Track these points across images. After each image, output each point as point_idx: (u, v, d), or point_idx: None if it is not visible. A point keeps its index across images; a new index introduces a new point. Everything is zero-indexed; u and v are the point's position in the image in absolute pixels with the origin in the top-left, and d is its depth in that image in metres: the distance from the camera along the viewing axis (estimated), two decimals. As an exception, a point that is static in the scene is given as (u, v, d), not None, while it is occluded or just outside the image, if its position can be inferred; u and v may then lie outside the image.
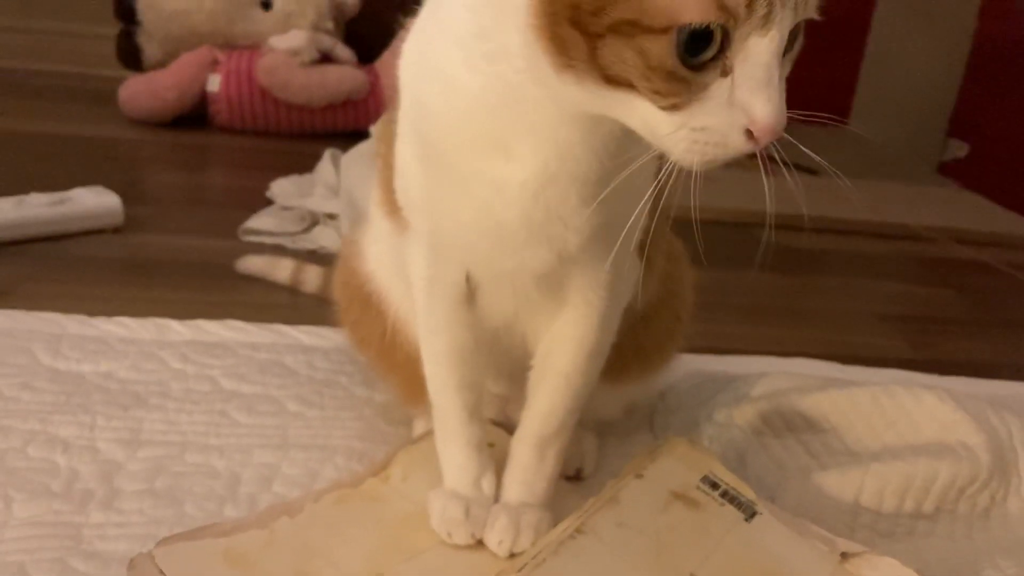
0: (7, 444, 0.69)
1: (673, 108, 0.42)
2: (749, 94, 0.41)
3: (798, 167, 0.46)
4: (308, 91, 1.75)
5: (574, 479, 0.72)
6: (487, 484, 0.62)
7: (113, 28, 1.84)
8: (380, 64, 1.82)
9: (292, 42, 1.76)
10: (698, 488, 0.62)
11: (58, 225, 1.12)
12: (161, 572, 0.53)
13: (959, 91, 2.37)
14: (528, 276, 0.56)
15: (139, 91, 1.75)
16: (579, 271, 0.57)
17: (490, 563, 0.58)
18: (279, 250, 1.16)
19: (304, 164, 1.43)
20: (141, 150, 1.68)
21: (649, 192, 0.47)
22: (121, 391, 0.79)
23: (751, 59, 0.41)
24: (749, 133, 0.42)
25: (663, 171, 0.45)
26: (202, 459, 0.71)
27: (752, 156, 0.44)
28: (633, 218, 0.48)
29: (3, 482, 0.65)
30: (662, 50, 0.40)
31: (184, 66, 1.75)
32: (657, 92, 0.42)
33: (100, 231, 1.16)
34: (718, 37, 0.40)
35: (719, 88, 0.42)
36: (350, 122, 1.79)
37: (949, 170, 2.32)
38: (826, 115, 0.48)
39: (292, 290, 1.05)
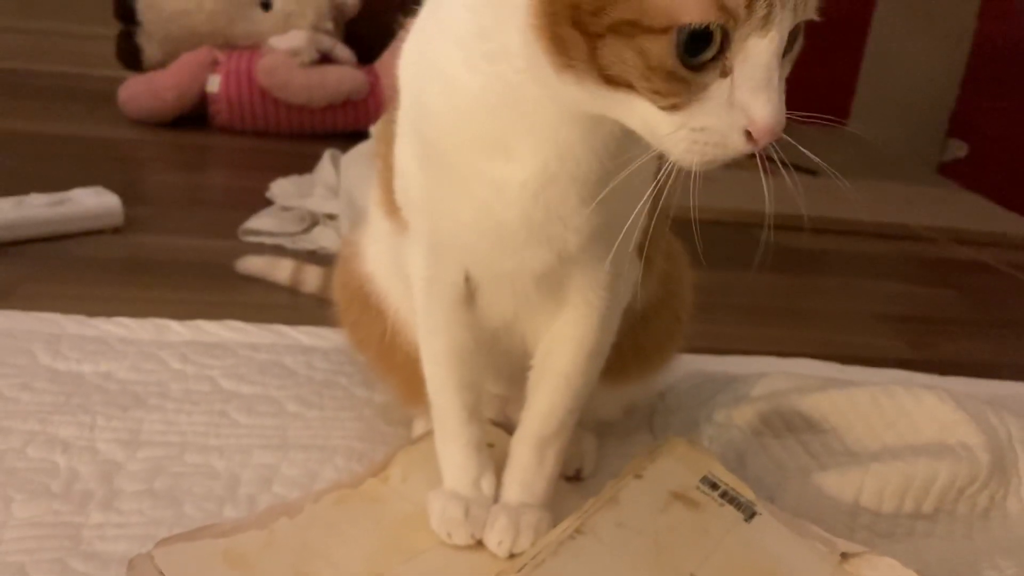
0: (7, 444, 0.69)
1: (673, 108, 0.42)
2: (749, 95, 0.41)
3: (797, 167, 0.46)
4: (308, 91, 1.75)
5: (574, 479, 0.72)
6: (487, 484, 0.62)
7: (113, 28, 1.84)
8: (380, 64, 1.82)
9: (292, 42, 1.76)
10: (698, 488, 0.62)
11: (58, 225, 1.12)
12: (160, 572, 0.52)
13: (959, 91, 2.37)
14: (528, 276, 0.56)
15: (139, 91, 1.75)
16: (579, 271, 0.57)
17: (490, 563, 0.58)
18: (279, 250, 1.16)
19: (304, 164, 1.43)
20: (141, 150, 1.68)
21: (648, 192, 0.47)
22: (121, 391, 0.79)
23: (751, 60, 0.41)
24: (748, 134, 0.42)
25: (662, 171, 0.45)
26: (202, 460, 0.71)
27: (751, 156, 0.44)
28: (632, 218, 0.48)
29: (3, 482, 0.65)
30: (662, 50, 0.40)
31: (184, 66, 1.75)
32: (657, 92, 0.42)
33: (100, 231, 1.16)
34: (718, 38, 0.40)
35: (719, 89, 0.42)
36: (350, 122, 1.78)
37: (949, 170, 2.32)
38: (826, 115, 0.48)
39: (292, 290, 1.05)
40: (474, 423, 0.62)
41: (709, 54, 0.41)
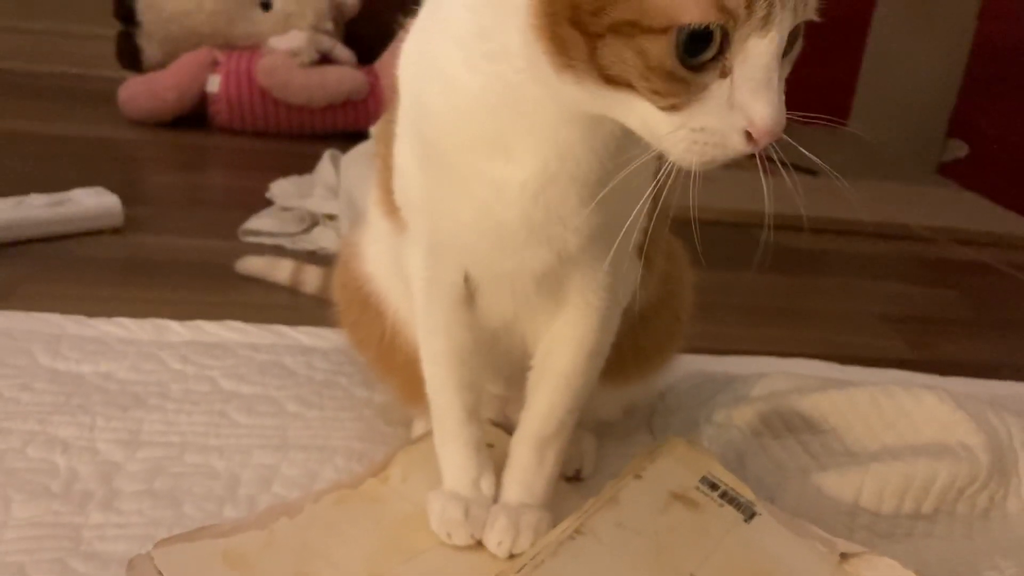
0: (6, 445, 0.69)
1: (672, 108, 0.42)
2: (748, 96, 0.41)
3: (797, 168, 0.46)
4: (308, 92, 1.75)
5: (573, 480, 0.72)
6: (486, 485, 0.62)
7: (113, 29, 1.84)
8: (380, 65, 1.82)
9: (292, 43, 1.77)
10: (697, 489, 0.62)
11: (58, 226, 1.13)
12: (160, 573, 0.52)
13: (959, 91, 2.37)
14: (528, 276, 0.56)
15: (139, 92, 1.75)
16: (579, 271, 0.57)
17: (489, 564, 0.58)
18: (279, 251, 1.16)
19: (304, 165, 1.43)
20: (141, 151, 1.68)
21: (648, 192, 0.47)
22: (120, 392, 0.79)
23: (750, 60, 0.41)
24: (748, 134, 0.42)
25: (662, 171, 0.45)
26: (201, 460, 0.71)
27: (751, 156, 0.44)
28: (632, 217, 0.48)
29: (3, 483, 0.65)
30: (661, 50, 0.40)
31: (184, 67, 1.75)
32: (656, 92, 0.42)
33: (100, 232, 1.16)
34: (717, 38, 0.40)
35: (719, 89, 0.42)
36: (350, 123, 1.79)
37: (949, 170, 2.32)
38: (826, 116, 0.47)
39: (292, 291, 1.05)
40: (474, 423, 0.62)
41: (709, 54, 0.41)
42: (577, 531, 0.56)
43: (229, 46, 1.80)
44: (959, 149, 2.35)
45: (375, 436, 0.76)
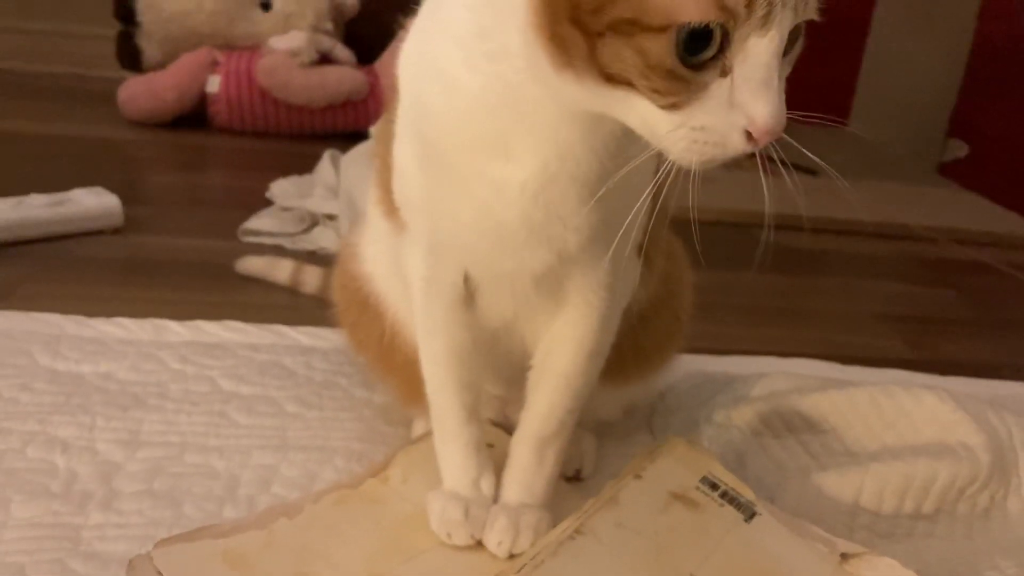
0: (6, 445, 0.69)
1: (672, 107, 0.42)
2: (748, 95, 0.41)
3: (797, 167, 0.46)
4: (308, 92, 1.75)
5: (573, 480, 0.72)
6: (486, 485, 0.62)
7: (113, 29, 1.84)
8: (380, 65, 1.82)
9: (292, 43, 1.77)
10: (697, 489, 0.62)
11: (57, 226, 1.12)
12: (159, 573, 0.52)
13: (959, 91, 2.37)
14: (527, 276, 0.56)
15: (139, 92, 1.75)
16: (579, 271, 0.57)
17: (489, 564, 0.58)
18: (279, 251, 1.16)
19: (304, 165, 1.43)
20: (140, 151, 1.68)
21: (647, 191, 0.47)
22: (120, 392, 0.79)
23: (750, 59, 0.41)
24: (748, 134, 0.42)
25: (661, 170, 0.45)
26: (201, 460, 0.71)
27: (751, 156, 0.44)
28: (631, 216, 0.48)
29: (2, 483, 0.65)
30: (661, 49, 0.40)
31: (184, 67, 1.75)
32: (656, 91, 0.42)
33: (99, 232, 1.16)
34: (717, 37, 0.40)
35: (719, 88, 0.42)
36: (350, 123, 1.79)
37: (949, 170, 2.32)
38: (826, 115, 0.47)
39: (291, 291, 1.05)
40: (473, 423, 0.62)
41: (709, 53, 0.41)
42: (577, 531, 0.56)
43: (229, 46, 1.80)
44: (959, 149, 2.35)
45: (375, 436, 0.76)
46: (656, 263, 0.66)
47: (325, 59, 1.82)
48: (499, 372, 0.66)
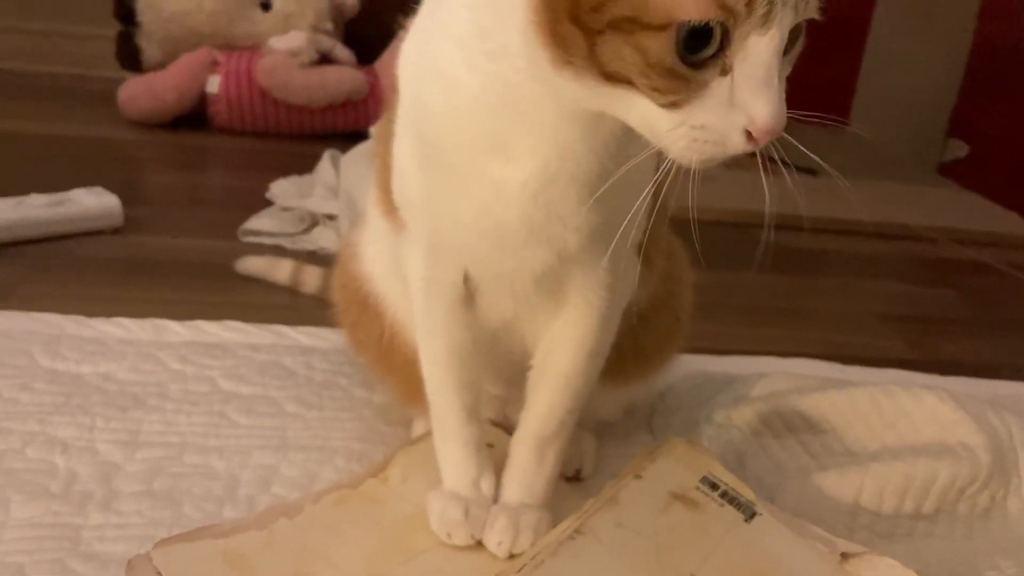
0: (6, 445, 0.69)
1: (672, 106, 0.42)
2: (748, 94, 0.41)
3: (798, 167, 0.46)
4: (308, 92, 1.75)
5: (573, 480, 0.72)
6: (486, 485, 0.62)
7: (112, 29, 1.84)
8: (380, 65, 1.82)
9: (292, 43, 1.77)
10: (697, 489, 0.62)
11: (57, 226, 1.12)
12: (159, 573, 0.52)
13: (959, 91, 2.37)
14: (527, 276, 0.56)
15: (138, 92, 1.75)
16: (579, 271, 0.57)
17: (489, 564, 0.58)
18: (278, 251, 1.16)
19: (304, 165, 1.43)
20: (140, 151, 1.68)
21: (647, 190, 0.47)
22: (120, 392, 0.79)
23: (751, 58, 0.41)
24: (748, 133, 0.42)
25: (661, 169, 0.45)
26: (201, 460, 0.71)
27: (752, 156, 0.44)
28: (631, 214, 0.48)
29: (2, 483, 0.65)
30: (661, 47, 0.40)
31: (184, 67, 1.75)
32: (656, 89, 0.42)
33: (99, 232, 1.16)
34: (717, 35, 0.40)
35: (719, 86, 0.41)
36: (350, 123, 1.79)
37: (949, 170, 2.32)
38: (826, 115, 0.47)
39: (291, 291, 1.05)
40: (473, 423, 0.62)
41: (709, 52, 0.40)
42: (577, 531, 0.56)
43: (229, 46, 1.80)
44: (959, 149, 2.35)
45: (375, 436, 0.76)
46: (656, 263, 0.66)
47: (325, 59, 1.82)
48: (499, 372, 0.66)
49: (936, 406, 0.79)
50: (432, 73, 0.51)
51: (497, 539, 0.58)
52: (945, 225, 1.70)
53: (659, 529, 0.58)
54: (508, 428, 0.66)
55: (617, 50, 0.41)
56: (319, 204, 1.28)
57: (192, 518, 0.64)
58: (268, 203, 1.31)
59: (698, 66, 0.41)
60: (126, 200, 1.19)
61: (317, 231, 1.24)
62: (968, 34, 2.33)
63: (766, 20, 0.40)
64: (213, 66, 1.75)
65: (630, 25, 0.40)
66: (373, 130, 1.25)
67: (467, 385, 0.62)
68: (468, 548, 0.59)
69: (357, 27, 1.95)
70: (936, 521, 0.72)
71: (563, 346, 0.60)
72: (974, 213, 1.87)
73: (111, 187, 1.20)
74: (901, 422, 0.79)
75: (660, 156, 0.45)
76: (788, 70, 0.44)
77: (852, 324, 1.21)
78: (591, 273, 0.57)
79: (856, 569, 0.58)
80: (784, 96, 0.42)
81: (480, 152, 0.51)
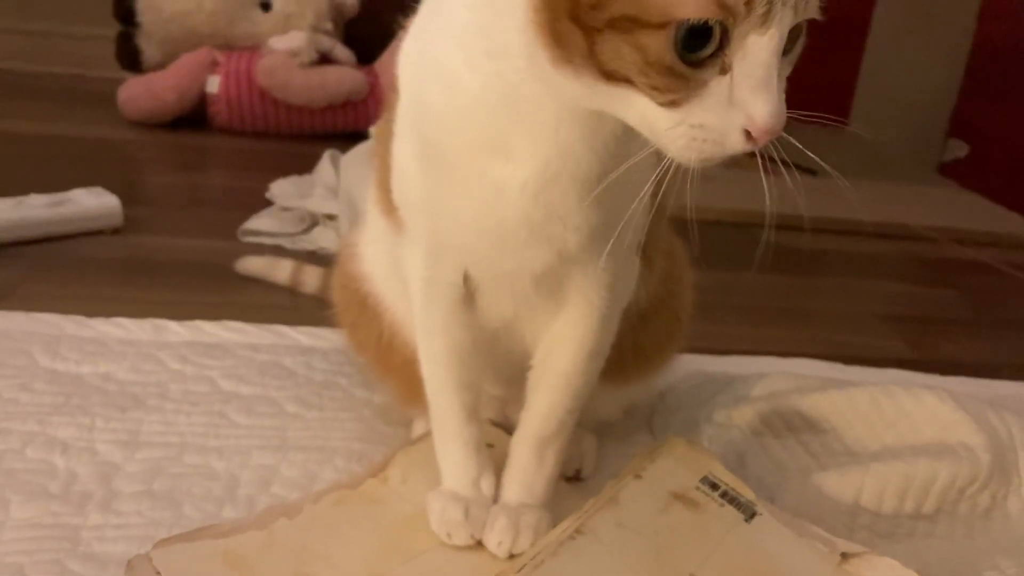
0: (5, 445, 0.69)
1: (671, 104, 0.42)
2: (748, 93, 0.41)
3: (798, 167, 0.46)
4: (308, 92, 1.75)
5: (573, 480, 0.72)
6: (486, 485, 0.62)
7: (112, 29, 1.84)
8: (380, 65, 1.82)
9: (291, 43, 1.77)
10: (698, 489, 0.62)
11: (57, 226, 1.12)
12: (158, 573, 0.52)
13: (959, 91, 2.37)
14: (528, 276, 0.56)
15: (138, 92, 1.75)
16: (579, 271, 0.57)
17: (489, 564, 0.58)
18: (278, 251, 1.16)
19: (304, 165, 1.43)
20: (140, 151, 1.68)
21: (646, 189, 0.47)
22: (119, 392, 0.79)
23: (750, 57, 0.41)
24: (747, 133, 0.42)
25: (660, 168, 0.45)
26: (201, 460, 0.71)
27: (751, 156, 0.44)
28: (629, 213, 0.48)
29: (2, 483, 0.65)
30: (660, 46, 0.40)
31: (183, 67, 1.75)
32: (655, 88, 0.42)
33: (99, 232, 1.16)
34: (717, 34, 0.40)
35: (718, 86, 0.41)
36: (350, 123, 1.79)
37: (949, 170, 2.32)
38: (826, 115, 0.47)
39: (291, 291, 1.05)
40: (473, 423, 0.62)
41: (708, 51, 0.40)
42: (577, 531, 0.56)
43: (229, 46, 1.80)
44: (959, 149, 2.36)
45: (375, 437, 0.76)
46: (656, 263, 0.66)
47: (325, 59, 1.82)
48: (499, 372, 0.66)
49: (936, 406, 0.79)
50: (432, 73, 0.51)
51: (497, 539, 0.58)
52: (945, 225, 1.70)
53: (659, 529, 0.58)
54: (508, 428, 0.66)
55: (616, 49, 0.41)
56: (319, 204, 1.28)
57: (192, 518, 0.64)
58: (268, 203, 1.31)
59: (697, 65, 0.41)
60: (126, 200, 1.19)
61: (317, 231, 1.24)
62: (968, 34, 2.33)
63: (765, 19, 0.40)
64: (213, 66, 1.75)
65: (629, 24, 0.40)
66: (373, 130, 1.25)
67: (467, 385, 0.61)
68: (468, 548, 0.59)
69: (357, 27, 1.95)
70: (936, 521, 0.72)
71: (563, 346, 0.60)
72: (974, 213, 1.87)
73: (111, 187, 1.20)
74: (901, 422, 0.79)
75: (659, 155, 0.45)
76: (788, 70, 0.44)
77: (852, 324, 1.21)
78: (591, 273, 0.57)
79: (856, 569, 0.58)
80: (784, 96, 0.42)
81: (480, 152, 0.50)
